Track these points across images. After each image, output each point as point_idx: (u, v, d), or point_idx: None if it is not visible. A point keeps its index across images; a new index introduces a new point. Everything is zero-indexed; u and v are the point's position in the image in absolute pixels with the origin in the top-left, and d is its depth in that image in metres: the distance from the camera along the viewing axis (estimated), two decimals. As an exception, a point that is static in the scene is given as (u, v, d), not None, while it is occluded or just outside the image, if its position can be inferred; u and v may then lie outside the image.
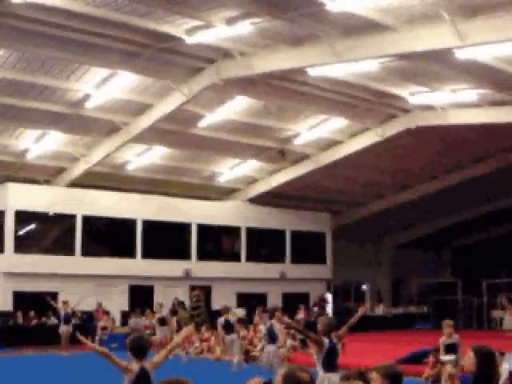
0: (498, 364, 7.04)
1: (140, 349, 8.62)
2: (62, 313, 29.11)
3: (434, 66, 24.41)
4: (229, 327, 23.78)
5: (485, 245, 50.93)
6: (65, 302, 29.39)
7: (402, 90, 27.86)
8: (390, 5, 19.70)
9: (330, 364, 10.99)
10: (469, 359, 6.71)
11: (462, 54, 22.11)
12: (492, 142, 34.88)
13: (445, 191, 40.63)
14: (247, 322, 30.27)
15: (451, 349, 17.32)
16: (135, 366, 8.37)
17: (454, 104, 29.25)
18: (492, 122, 29.74)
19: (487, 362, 6.65)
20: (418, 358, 20.93)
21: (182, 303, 34.04)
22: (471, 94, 27.59)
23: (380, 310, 44.68)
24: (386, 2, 19.53)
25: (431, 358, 18.88)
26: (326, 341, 11.05)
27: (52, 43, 22.48)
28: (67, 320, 28.85)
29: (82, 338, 9.52)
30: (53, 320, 32.15)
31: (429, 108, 30.18)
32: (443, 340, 17.51)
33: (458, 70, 24.62)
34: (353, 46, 22.07)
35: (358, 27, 21.30)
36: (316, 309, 40.37)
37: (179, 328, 30.63)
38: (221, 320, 24.11)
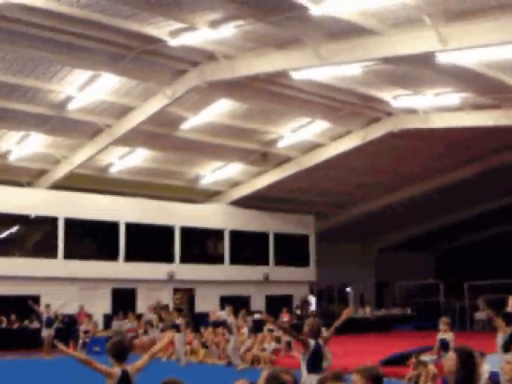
0: (478, 365, 7.10)
1: (121, 352, 8.58)
2: (45, 316, 28.93)
3: (416, 69, 24.53)
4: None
5: (468, 248, 51.21)
6: (47, 306, 29.24)
7: (386, 93, 27.96)
8: (373, 9, 19.78)
9: (314, 365, 11.03)
10: (449, 360, 6.76)
11: (444, 58, 22.21)
12: (476, 145, 35.07)
13: (429, 194, 40.82)
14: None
15: (444, 345, 17.62)
16: (117, 370, 8.33)
17: (437, 108, 29.37)
18: (474, 125, 29.93)
19: (467, 363, 6.70)
20: (400, 360, 21.00)
21: (165, 306, 34.08)
22: (453, 97, 27.74)
23: (368, 312, 44.64)
24: (370, 7, 19.60)
25: (413, 359, 18.97)
26: (311, 342, 11.07)
27: (35, 44, 22.38)
28: (49, 324, 28.68)
29: (61, 346, 9.36)
30: (35, 324, 31.99)
31: (412, 111, 30.29)
32: (438, 336, 17.91)
33: (441, 73, 24.73)
34: (336, 49, 22.13)
35: (342, 31, 21.35)
36: (299, 311, 40.41)
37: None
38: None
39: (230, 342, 24.74)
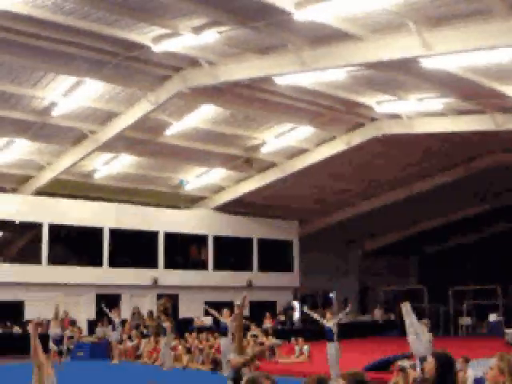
0: (457, 369, 7.17)
1: None
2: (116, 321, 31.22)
3: (400, 74, 24.61)
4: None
5: (451, 253, 51.37)
6: (116, 310, 31.90)
7: (369, 98, 28.05)
8: (356, 14, 19.82)
9: None
10: (429, 364, 6.83)
11: (427, 63, 22.31)
12: (458, 150, 35.26)
13: (412, 199, 40.96)
14: (215, 329, 30.34)
15: None
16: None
17: (420, 113, 29.50)
18: (457, 130, 30.12)
19: (446, 368, 6.75)
20: (384, 366, 21.08)
21: (150, 312, 34.09)
22: (437, 102, 27.85)
23: (378, 315, 44.72)
24: (353, 12, 19.65)
25: (397, 365, 19.04)
26: None
27: (18, 50, 22.32)
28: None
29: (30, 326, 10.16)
30: (17, 329, 31.90)
31: (395, 117, 30.40)
32: None
33: (424, 79, 24.83)
34: (320, 55, 22.18)
35: (325, 36, 21.41)
36: (282, 317, 40.42)
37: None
38: None
39: (222, 346, 24.51)
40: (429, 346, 18.07)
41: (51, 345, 26.01)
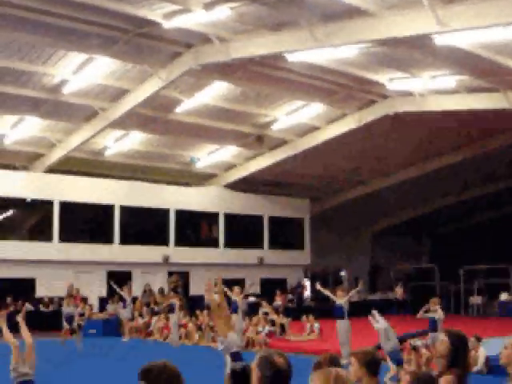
0: (469, 348, 7.09)
1: None
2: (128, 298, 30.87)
3: (413, 51, 24.39)
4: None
5: (464, 232, 51.20)
6: (128, 288, 31.52)
7: (381, 76, 27.84)
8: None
9: None
10: (442, 343, 6.73)
11: (441, 40, 22.09)
12: (471, 128, 34.96)
13: (424, 178, 40.76)
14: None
15: (432, 324, 17.73)
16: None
17: (433, 90, 29.27)
18: (470, 108, 29.83)
19: (460, 346, 6.67)
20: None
21: (161, 290, 34.16)
22: (450, 80, 27.60)
23: (399, 293, 44.67)
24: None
25: (408, 344, 18.99)
26: None
27: (29, 28, 22.23)
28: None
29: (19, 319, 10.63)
30: (29, 307, 32.06)
31: (407, 94, 30.19)
32: (428, 315, 18.06)
33: (437, 56, 24.60)
34: (332, 31, 22.00)
35: (338, 13, 21.23)
36: (290, 296, 40.39)
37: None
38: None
39: (235, 324, 24.45)
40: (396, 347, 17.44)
41: (64, 323, 25.96)
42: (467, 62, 24.96)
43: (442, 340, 6.78)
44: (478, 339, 18.59)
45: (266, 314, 29.79)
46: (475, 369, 17.49)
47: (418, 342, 17.41)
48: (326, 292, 23.68)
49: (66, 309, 26.58)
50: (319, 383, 4.22)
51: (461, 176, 41.41)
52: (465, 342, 6.85)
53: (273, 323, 27.36)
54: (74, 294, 31.52)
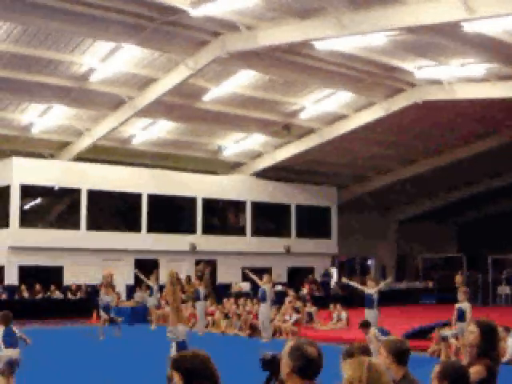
0: (499, 338, 7.02)
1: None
2: (155, 286, 30.97)
3: (441, 39, 24.19)
4: None
5: (491, 220, 50.82)
6: (155, 276, 31.63)
7: (409, 63, 27.66)
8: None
9: None
10: (472, 333, 6.68)
11: (469, 28, 21.90)
12: (500, 116, 34.68)
13: (451, 165, 40.55)
14: (252, 295, 30.41)
15: (460, 314, 17.62)
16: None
17: (462, 78, 29.02)
18: (499, 96, 29.54)
19: (490, 336, 6.62)
20: (423, 333, 20.93)
21: (188, 278, 34.20)
22: (479, 68, 27.37)
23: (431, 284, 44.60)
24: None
25: (436, 333, 18.91)
26: None
27: (56, 16, 22.29)
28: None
29: None
30: (57, 294, 32.31)
31: (436, 82, 29.95)
32: (456, 305, 17.95)
33: (466, 43, 24.39)
34: (360, 19, 21.87)
35: (366, 0, 21.09)
36: (314, 286, 40.18)
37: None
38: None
39: (261, 312, 24.36)
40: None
41: (101, 312, 25.78)
42: (497, 50, 24.72)
43: (471, 330, 6.73)
44: (507, 329, 18.43)
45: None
46: (503, 359, 17.35)
47: (447, 332, 17.32)
48: (354, 283, 23.64)
49: (105, 297, 26.26)
50: (352, 372, 4.20)
51: (490, 163, 41.13)
52: (495, 332, 6.80)
53: (297, 311, 27.29)
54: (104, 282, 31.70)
